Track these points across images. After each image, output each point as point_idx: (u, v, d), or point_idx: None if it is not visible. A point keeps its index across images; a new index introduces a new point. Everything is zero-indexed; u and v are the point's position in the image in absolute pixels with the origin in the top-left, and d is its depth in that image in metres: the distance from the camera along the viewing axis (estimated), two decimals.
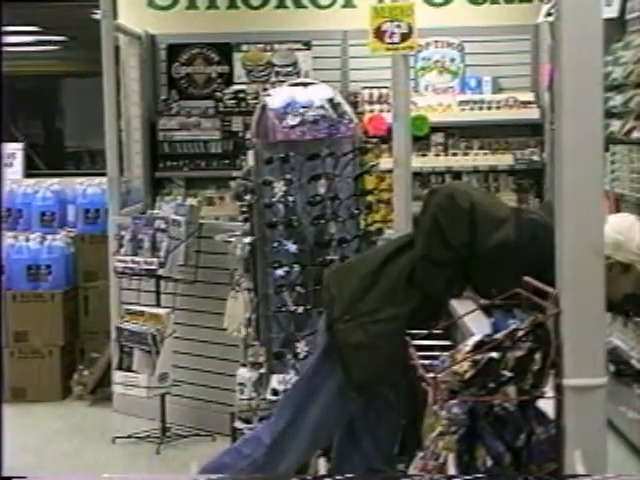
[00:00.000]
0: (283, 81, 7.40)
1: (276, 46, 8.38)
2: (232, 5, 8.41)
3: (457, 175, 8.16)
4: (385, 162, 6.45)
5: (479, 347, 2.51)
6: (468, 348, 2.54)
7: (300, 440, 3.85)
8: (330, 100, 5.28)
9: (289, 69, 8.34)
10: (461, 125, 8.14)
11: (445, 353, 2.68)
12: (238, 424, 5.02)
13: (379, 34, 5.53)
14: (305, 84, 5.44)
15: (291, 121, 5.09)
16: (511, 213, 3.67)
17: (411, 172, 5.74)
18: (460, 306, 3.64)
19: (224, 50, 8.45)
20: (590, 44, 2.40)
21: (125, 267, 6.15)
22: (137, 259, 6.07)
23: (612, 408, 5.05)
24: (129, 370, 6.02)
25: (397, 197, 5.61)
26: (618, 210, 5.88)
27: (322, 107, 5.21)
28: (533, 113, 8.05)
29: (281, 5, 8.40)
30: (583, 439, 2.42)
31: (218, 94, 8.37)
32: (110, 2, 6.90)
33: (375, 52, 5.65)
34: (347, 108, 5.36)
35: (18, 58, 9.33)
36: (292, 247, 5.00)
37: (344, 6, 8.35)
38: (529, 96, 8.12)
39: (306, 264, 5.04)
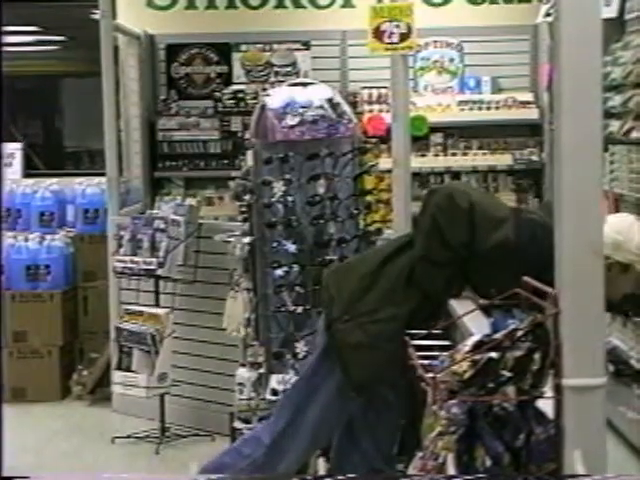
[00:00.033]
0: (282, 81, 7.41)
1: (275, 46, 8.38)
2: (231, 5, 8.41)
3: (456, 175, 8.16)
4: (384, 162, 6.45)
5: (478, 347, 2.51)
6: (467, 348, 2.54)
7: (299, 440, 3.85)
8: (329, 100, 5.28)
9: (288, 69, 8.34)
10: (460, 125, 8.14)
11: (444, 353, 2.68)
12: (237, 424, 5.02)
13: (378, 34, 5.53)
14: (304, 84, 5.44)
15: (290, 121, 5.09)
16: (510, 213, 3.67)
17: (410, 172, 5.74)
18: (459, 306, 3.65)
19: (223, 50, 8.45)
20: (589, 44, 2.40)
21: (124, 267, 6.15)
22: (136, 259, 6.07)
23: (611, 408, 5.06)
24: (128, 370, 6.02)
25: (396, 197, 5.61)
26: (617, 210, 5.88)
27: (321, 107, 5.21)
28: (532, 113, 8.05)
29: (280, 5, 8.40)
30: (582, 439, 2.42)
31: (217, 94, 8.37)
32: (109, 2, 6.90)
33: (374, 52, 5.66)
34: (346, 108, 5.36)
35: (18, 58, 9.33)
36: (291, 247, 5.00)
37: (343, 6, 8.35)
38: (528, 96, 8.12)
39: (305, 264, 5.04)
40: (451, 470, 2.41)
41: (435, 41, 8.28)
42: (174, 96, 8.43)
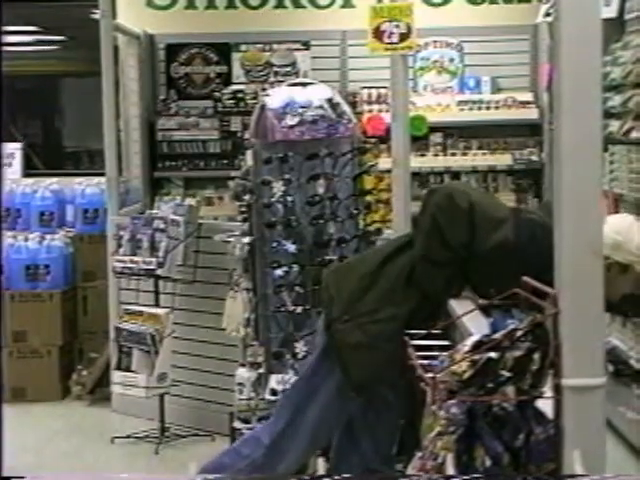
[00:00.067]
0: (282, 81, 7.41)
1: (275, 46, 8.38)
2: (231, 5, 8.41)
3: (456, 175, 8.16)
4: (384, 162, 6.45)
5: (478, 347, 2.51)
6: (467, 348, 2.54)
7: (299, 440, 3.85)
8: (329, 100, 5.28)
9: (288, 69, 8.34)
10: (460, 125, 8.14)
11: (444, 353, 2.68)
12: (237, 424, 5.02)
13: (378, 34, 5.53)
14: (304, 84, 5.44)
15: (290, 121, 5.09)
16: (510, 213, 3.67)
17: (410, 172, 5.74)
18: (459, 306, 3.65)
19: (223, 50, 8.45)
20: (589, 44, 2.40)
21: (124, 267, 6.14)
22: (136, 259, 6.07)
23: (611, 408, 5.05)
24: (128, 370, 6.02)
25: (396, 197, 5.61)
26: (617, 210, 5.88)
27: (321, 107, 5.21)
28: (532, 113, 8.06)
29: (280, 5, 8.40)
30: (582, 439, 2.42)
31: (217, 94, 8.37)
32: (109, 2, 6.90)
33: (374, 52, 5.66)
34: (346, 108, 5.36)
35: (17, 58, 9.33)
36: (291, 247, 5.00)
37: (343, 6, 8.35)
38: (528, 96, 8.12)
39: (305, 264, 5.04)
40: (450, 470, 2.40)
41: (435, 41, 8.28)
42: (174, 96, 8.43)
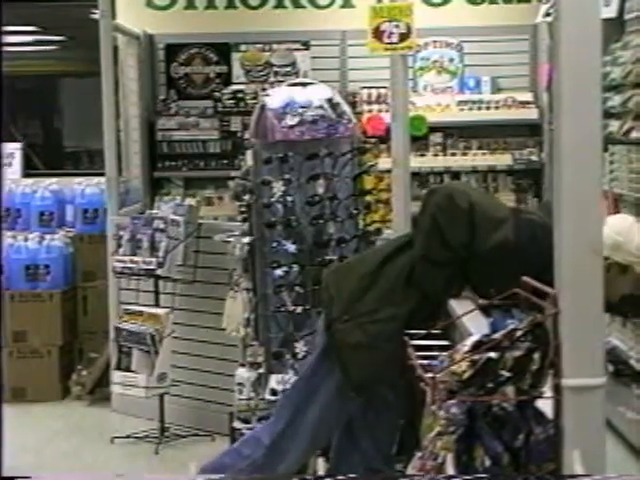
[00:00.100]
0: (282, 81, 7.41)
1: (275, 46, 8.38)
2: (230, 5, 8.41)
3: (456, 175, 8.16)
4: (384, 162, 6.45)
5: (477, 347, 2.51)
6: (466, 348, 2.54)
7: (299, 440, 3.85)
8: (329, 100, 5.28)
9: (288, 69, 8.34)
10: (460, 125, 8.14)
11: (444, 353, 2.68)
12: (237, 424, 5.02)
13: (378, 34, 5.53)
14: (304, 84, 5.44)
15: (290, 121, 5.09)
16: (510, 213, 3.67)
17: (410, 172, 5.74)
18: (459, 306, 3.65)
19: (223, 50, 8.45)
20: (589, 44, 2.40)
21: (124, 267, 6.14)
22: (136, 259, 6.07)
23: (611, 408, 5.05)
24: (128, 370, 6.02)
25: (396, 197, 5.61)
26: (617, 210, 5.88)
27: (321, 107, 5.21)
28: (532, 113, 8.05)
29: (280, 5, 8.40)
30: (582, 439, 2.42)
31: (217, 94, 8.37)
32: (108, 2, 6.90)
33: (374, 52, 5.66)
34: (346, 108, 5.36)
35: (17, 58, 9.32)
36: (291, 247, 5.00)
37: (343, 6, 8.35)
38: (528, 96, 8.12)
39: (305, 264, 5.05)
40: (450, 470, 2.41)
41: (435, 41, 8.28)
42: (173, 96, 8.43)
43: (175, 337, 6.04)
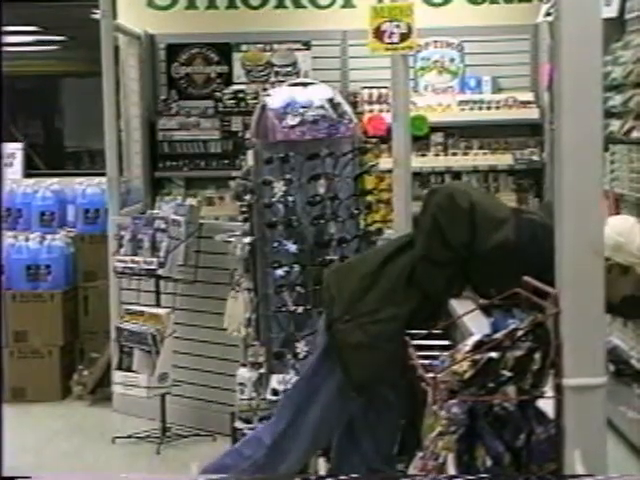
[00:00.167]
0: (282, 81, 7.40)
1: (275, 46, 8.38)
2: (231, 5, 8.41)
3: (457, 175, 8.16)
4: (385, 162, 6.45)
5: (478, 347, 2.51)
6: (468, 348, 2.54)
7: (300, 440, 3.85)
8: (330, 100, 5.28)
9: (288, 69, 8.34)
10: (461, 125, 8.14)
11: (445, 353, 2.68)
12: (238, 424, 5.02)
13: (378, 34, 5.53)
14: (305, 84, 5.44)
15: (291, 121, 5.09)
16: (511, 213, 3.67)
17: (411, 172, 5.74)
18: (460, 306, 3.65)
19: (223, 50, 8.45)
20: (589, 44, 2.40)
21: (125, 267, 6.15)
22: (137, 259, 6.07)
23: (612, 408, 5.05)
24: (129, 370, 6.02)
25: (397, 197, 5.61)
26: (617, 210, 5.88)
27: (322, 107, 5.21)
28: (533, 113, 8.05)
29: (280, 5, 8.40)
30: (583, 439, 2.42)
31: (217, 94, 8.37)
32: (109, 2, 6.90)
33: (374, 52, 5.65)
34: (347, 108, 5.36)
35: (18, 58, 9.33)
36: (292, 247, 5.00)
37: (343, 6, 8.35)
38: (528, 96, 8.12)
39: (306, 264, 5.05)
40: (451, 470, 2.40)
41: (435, 41, 8.27)
42: (174, 96, 8.43)
43: (176, 337, 6.04)
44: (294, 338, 5.02)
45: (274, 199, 5.02)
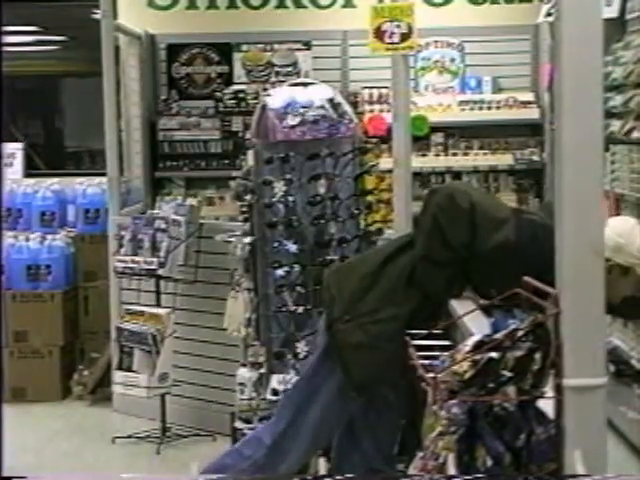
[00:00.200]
0: (283, 81, 7.40)
1: (276, 46, 8.38)
2: (232, 5, 8.41)
3: (457, 175, 8.16)
4: (385, 162, 6.46)
5: (479, 347, 2.51)
6: (468, 348, 2.54)
7: (300, 440, 3.85)
8: (330, 100, 5.28)
9: (289, 69, 8.34)
10: (461, 125, 8.14)
11: (445, 353, 2.68)
12: (238, 424, 5.02)
13: (379, 34, 5.53)
14: (305, 84, 5.44)
15: (291, 121, 5.09)
16: (511, 214, 3.67)
17: (411, 172, 5.74)
18: (460, 306, 3.65)
19: (224, 50, 8.45)
20: (590, 44, 2.40)
21: (125, 267, 6.15)
22: (137, 259, 6.07)
23: (612, 408, 5.05)
24: (129, 370, 6.02)
25: (397, 197, 5.61)
26: (618, 210, 5.88)
27: (322, 107, 5.21)
28: (533, 113, 8.05)
29: (281, 5, 8.40)
30: (583, 439, 2.42)
31: (218, 94, 8.37)
32: (110, 2, 6.90)
33: (375, 52, 5.65)
34: (347, 108, 5.36)
35: (18, 58, 9.33)
36: (292, 247, 5.00)
37: (344, 6, 8.35)
38: (529, 96, 8.12)
39: (306, 264, 5.05)
40: (452, 470, 2.40)
41: (436, 41, 8.27)
42: (175, 96, 8.43)
43: (176, 337, 6.04)
44: (294, 338, 5.02)
45: (274, 199, 5.02)
